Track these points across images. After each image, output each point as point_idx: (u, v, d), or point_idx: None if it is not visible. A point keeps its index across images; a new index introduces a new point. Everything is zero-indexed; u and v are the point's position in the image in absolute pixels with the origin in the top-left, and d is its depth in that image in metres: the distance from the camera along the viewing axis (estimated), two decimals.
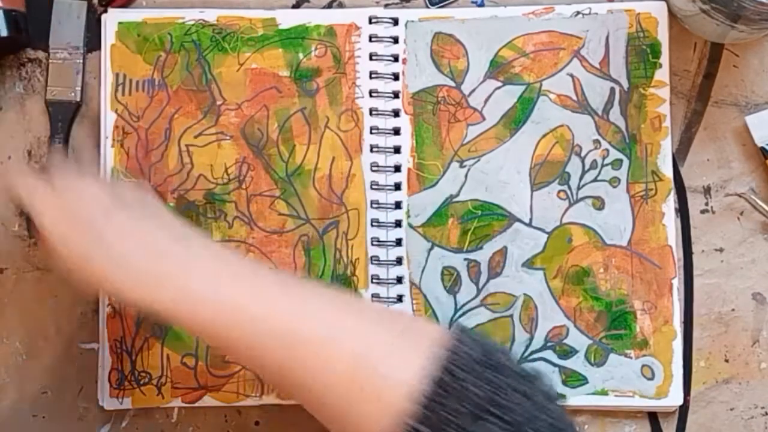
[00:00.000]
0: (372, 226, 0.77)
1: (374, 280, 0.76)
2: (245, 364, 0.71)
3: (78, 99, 0.77)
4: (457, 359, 0.58)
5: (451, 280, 0.76)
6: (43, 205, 0.63)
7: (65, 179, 0.65)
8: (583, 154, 0.77)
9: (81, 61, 0.78)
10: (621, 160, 0.77)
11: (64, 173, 0.65)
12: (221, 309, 0.61)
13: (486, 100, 0.77)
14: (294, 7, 0.79)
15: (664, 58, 0.77)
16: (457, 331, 0.60)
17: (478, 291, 0.76)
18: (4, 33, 0.75)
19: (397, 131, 0.77)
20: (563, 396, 0.75)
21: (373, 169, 0.77)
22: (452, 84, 0.77)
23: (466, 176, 0.77)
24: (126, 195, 0.66)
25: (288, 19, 0.78)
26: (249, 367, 0.71)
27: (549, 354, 0.76)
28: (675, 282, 0.76)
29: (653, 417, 0.76)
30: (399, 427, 0.57)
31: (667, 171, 0.76)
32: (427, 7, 0.78)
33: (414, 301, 0.76)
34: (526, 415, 0.57)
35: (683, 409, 0.76)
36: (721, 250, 0.77)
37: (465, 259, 0.76)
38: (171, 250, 0.63)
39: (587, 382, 0.75)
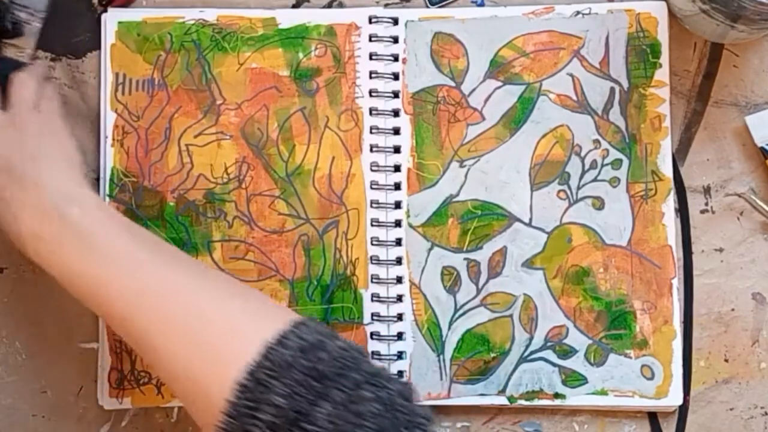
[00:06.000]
0: (372, 225, 0.77)
1: (374, 280, 0.76)
2: (92, 307, 0.67)
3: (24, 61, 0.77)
4: (266, 364, 0.58)
5: (450, 279, 0.76)
6: None
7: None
8: (583, 154, 0.77)
9: (39, 25, 0.78)
10: (621, 160, 0.77)
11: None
12: (81, 239, 0.64)
13: (486, 100, 0.77)
14: (294, 6, 0.79)
15: (664, 58, 0.77)
16: (288, 328, 0.60)
17: (478, 291, 0.76)
18: None
19: (396, 131, 0.77)
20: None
21: (373, 168, 0.77)
22: (452, 84, 0.77)
23: (465, 176, 0.77)
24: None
25: (288, 18, 0.78)
26: (98, 313, 0.69)
27: (549, 354, 0.76)
28: (675, 282, 0.76)
29: (653, 417, 0.76)
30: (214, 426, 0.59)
31: (667, 171, 0.76)
32: (427, 6, 0.78)
33: (414, 301, 0.76)
34: (346, 422, 0.56)
35: (683, 409, 0.76)
36: (720, 250, 0.77)
37: (465, 259, 0.76)
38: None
39: (587, 382, 0.75)
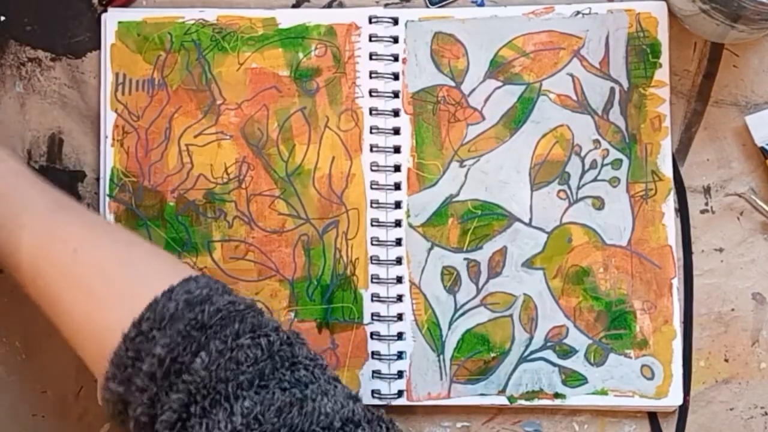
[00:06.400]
0: (372, 225, 0.77)
1: (374, 280, 0.76)
2: (7, 266, 0.68)
3: None
4: (150, 316, 0.60)
5: (450, 279, 0.76)
6: None
7: None
8: (583, 154, 0.77)
9: None
10: (621, 160, 0.77)
11: None
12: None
13: (486, 100, 0.77)
14: (294, 6, 0.79)
15: (664, 58, 0.77)
16: (176, 283, 0.62)
17: (478, 291, 0.76)
18: None
19: (397, 131, 0.77)
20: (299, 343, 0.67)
21: (373, 168, 0.77)
22: (452, 84, 0.77)
23: (465, 176, 0.77)
24: None
25: (288, 18, 0.78)
26: (11, 271, 0.69)
27: (549, 354, 0.76)
28: (675, 282, 0.76)
29: (653, 417, 0.76)
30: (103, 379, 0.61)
31: (667, 171, 0.76)
32: (427, 6, 0.78)
33: (414, 301, 0.76)
34: (228, 369, 0.58)
35: (683, 409, 0.76)
36: (720, 250, 0.77)
37: (465, 259, 0.76)
38: None
39: (587, 382, 0.75)
